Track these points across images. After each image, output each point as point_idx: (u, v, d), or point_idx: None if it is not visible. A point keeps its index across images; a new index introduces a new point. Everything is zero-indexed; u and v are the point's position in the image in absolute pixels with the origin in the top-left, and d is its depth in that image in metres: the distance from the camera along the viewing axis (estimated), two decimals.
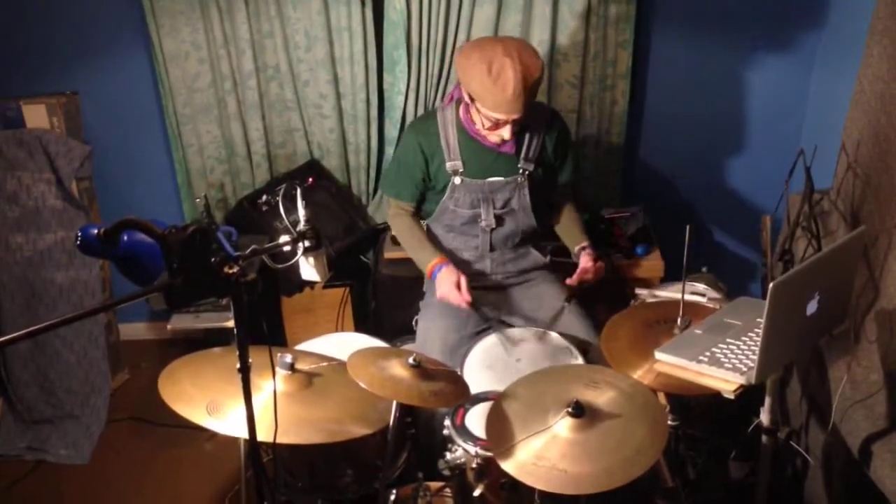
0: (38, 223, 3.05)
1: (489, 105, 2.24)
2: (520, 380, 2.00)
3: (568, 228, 2.64)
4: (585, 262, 2.45)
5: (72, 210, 3.08)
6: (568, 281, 2.44)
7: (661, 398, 2.09)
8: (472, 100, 2.29)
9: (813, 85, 3.16)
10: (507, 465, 1.70)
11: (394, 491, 2.11)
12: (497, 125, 2.30)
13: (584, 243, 2.55)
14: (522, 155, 2.46)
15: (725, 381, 1.74)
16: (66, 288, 3.10)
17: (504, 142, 2.37)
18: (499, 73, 2.18)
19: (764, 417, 1.91)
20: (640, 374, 1.95)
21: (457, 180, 2.46)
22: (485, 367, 2.33)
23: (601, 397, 1.83)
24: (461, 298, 2.37)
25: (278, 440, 1.71)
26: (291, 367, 1.98)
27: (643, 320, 2.17)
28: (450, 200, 2.49)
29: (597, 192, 3.28)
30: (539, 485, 1.67)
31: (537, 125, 2.47)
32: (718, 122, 3.29)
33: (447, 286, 2.40)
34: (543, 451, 1.71)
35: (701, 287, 2.64)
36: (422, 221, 2.67)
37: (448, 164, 2.45)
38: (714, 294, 2.59)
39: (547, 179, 2.55)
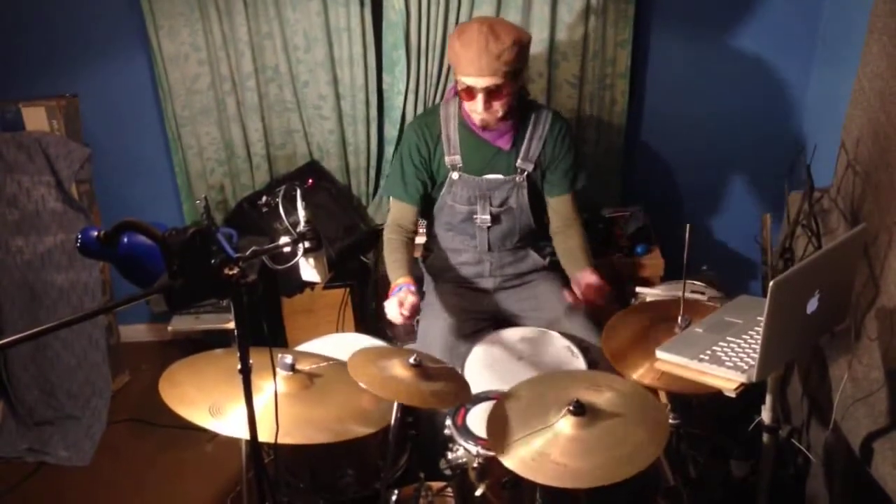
0: (38, 226, 3.05)
1: (459, 69, 2.29)
2: (521, 383, 1.99)
3: (571, 256, 2.50)
4: (594, 282, 2.36)
5: (72, 212, 3.08)
6: (570, 297, 2.43)
7: (663, 397, 2.09)
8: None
9: (812, 83, 3.16)
10: (507, 461, 1.71)
11: (395, 491, 2.11)
12: (471, 94, 2.30)
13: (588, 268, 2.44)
14: (521, 154, 2.46)
15: (726, 379, 1.74)
16: (66, 290, 3.10)
17: (488, 124, 2.38)
18: (466, 37, 2.25)
19: (765, 416, 1.91)
20: (641, 373, 1.95)
21: (454, 175, 2.46)
22: (485, 366, 2.33)
23: (602, 398, 1.83)
24: (399, 314, 2.29)
25: (279, 441, 1.71)
26: (292, 368, 1.98)
27: (644, 319, 2.17)
28: (448, 195, 2.50)
29: (597, 191, 3.27)
30: (538, 478, 1.67)
31: (538, 126, 2.47)
32: (718, 120, 3.29)
33: (394, 301, 2.33)
34: (544, 448, 1.71)
35: (701, 285, 2.64)
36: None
37: (447, 159, 2.46)
38: (714, 293, 2.60)
39: (546, 181, 2.53)
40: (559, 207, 2.56)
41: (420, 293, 2.70)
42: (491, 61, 2.22)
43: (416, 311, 2.32)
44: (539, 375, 2.08)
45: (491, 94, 2.29)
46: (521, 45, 2.26)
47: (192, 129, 3.24)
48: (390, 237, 2.56)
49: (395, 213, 2.59)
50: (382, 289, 3.03)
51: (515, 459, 1.71)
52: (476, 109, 2.33)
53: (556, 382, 2.00)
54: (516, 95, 2.37)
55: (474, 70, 2.25)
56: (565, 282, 2.54)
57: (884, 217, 2.10)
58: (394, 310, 2.31)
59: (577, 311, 2.50)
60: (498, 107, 2.32)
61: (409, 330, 2.75)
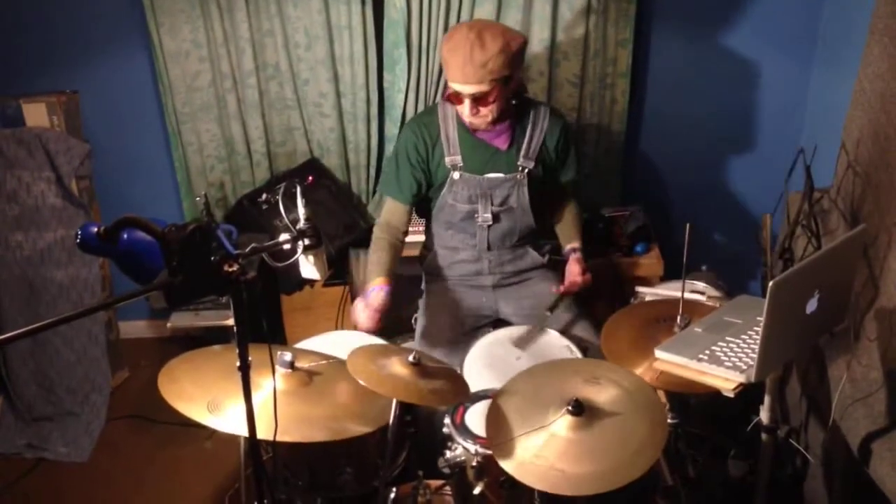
0: (38, 222, 3.05)
1: (447, 73, 2.31)
2: (519, 374, 1.99)
3: (564, 226, 2.65)
4: (573, 274, 2.48)
5: (71, 208, 3.08)
6: (554, 290, 2.46)
7: (661, 396, 2.09)
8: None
9: (813, 83, 3.16)
10: (506, 464, 1.71)
11: (393, 489, 2.11)
12: (459, 98, 2.32)
13: (576, 244, 2.57)
14: (522, 152, 2.46)
15: (725, 379, 1.74)
16: (65, 286, 3.10)
17: (477, 127, 2.39)
18: (453, 42, 2.25)
19: (764, 416, 1.91)
20: (640, 373, 1.95)
21: (455, 175, 2.46)
22: (484, 365, 2.33)
23: (601, 394, 1.83)
24: (364, 322, 2.36)
25: (278, 438, 1.71)
26: (291, 366, 1.98)
27: (643, 319, 2.17)
28: (448, 195, 2.50)
29: (596, 190, 3.28)
30: (537, 485, 1.67)
31: (537, 124, 2.47)
32: (718, 120, 3.29)
33: (362, 304, 2.38)
34: (542, 449, 1.71)
35: (701, 285, 2.64)
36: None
37: (447, 159, 2.46)
38: (714, 292, 2.59)
39: (547, 178, 2.54)
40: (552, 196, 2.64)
41: (418, 292, 2.71)
42: (476, 70, 2.22)
43: (377, 320, 2.36)
44: (537, 366, 2.07)
45: (478, 100, 2.30)
46: (509, 52, 2.25)
47: (193, 125, 3.23)
48: (379, 236, 2.56)
49: (387, 212, 2.59)
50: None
51: (514, 463, 1.70)
52: (464, 113, 2.34)
53: (554, 374, 1.99)
54: (509, 98, 2.37)
55: (460, 77, 2.26)
56: (564, 279, 2.55)
57: (884, 218, 2.10)
58: (360, 314, 2.37)
59: (575, 310, 2.52)
60: (486, 112, 2.33)
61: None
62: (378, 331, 2.41)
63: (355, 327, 2.43)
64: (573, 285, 2.47)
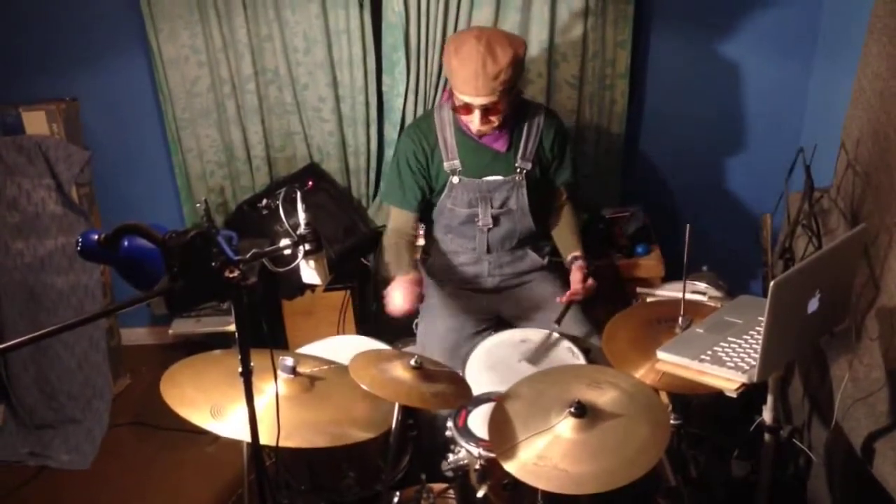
0: (39, 229, 3.05)
1: (456, 86, 2.30)
2: (522, 380, 1.99)
3: (562, 234, 2.63)
4: (575, 282, 2.45)
5: (72, 215, 3.08)
6: (558, 299, 2.44)
7: (663, 397, 2.09)
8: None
9: (812, 83, 3.16)
10: (509, 466, 1.70)
11: (397, 493, 2.11)
12: (468, 109, 2.32)
13: (577, 252, 2.54)
14: (519, 154, 2.46)
15: (727, 379, 1.74)
16: (66, 293, 3.10)
17: (484, 134, 2.39)
18: (463, 54, 2.24)
19: (766, 416, 1.91)
20: (642, 374, 1.95)
21: (455, 179, 2.46)
22: (486, 368, 2.33)
23: (603, 397, 1.83)
24: (401, 302, 2.36)
25: (281, 444, 1.71)
26: (293, 371, 1.98)
27: (644, 320, 2.17)
28: (448, 199, 2.50)
29: (597, 191, 3.28)
30: (541, 484, 1.67)
31: (533, 125, 2.47)
32: (718, 121, 3.29)
33: (401, 287, 2.39)
34: (545, 451, 1.71)
35: (702, 286, 2.64)
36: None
37: (446, 164, 2.46)
38: (715, 293, 2.60)
39: (545, 179, 2.55)
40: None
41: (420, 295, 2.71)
42: (488, 82, 2.22)
43: (416, 300, 2.38)
44: (539, 372, 2.08)
45: (488, 110, 2.31)
46: (518, 61, 2.27)
47: (192, 131, 3.24)
48: (395, 241, 2.56)
49: (394, 221, 2.59)
50: (383, 291, 3.02)
51: (517, 465, 1.70)
52: (473, 123, 2.35)
53: (556, 379, 1.99)
54: (513, 102, 2.37)
55: (471, 90, 2.26)
56: (564, 281, 2.55)
57: (884, 217, 2.10)
58: (396, 295, 2.36)
59: (577, 312, 2.51)
60: (495, 119, 2.34)
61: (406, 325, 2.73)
62: (412, 312, 2.41)
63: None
64: (576, 293, 2.44)
